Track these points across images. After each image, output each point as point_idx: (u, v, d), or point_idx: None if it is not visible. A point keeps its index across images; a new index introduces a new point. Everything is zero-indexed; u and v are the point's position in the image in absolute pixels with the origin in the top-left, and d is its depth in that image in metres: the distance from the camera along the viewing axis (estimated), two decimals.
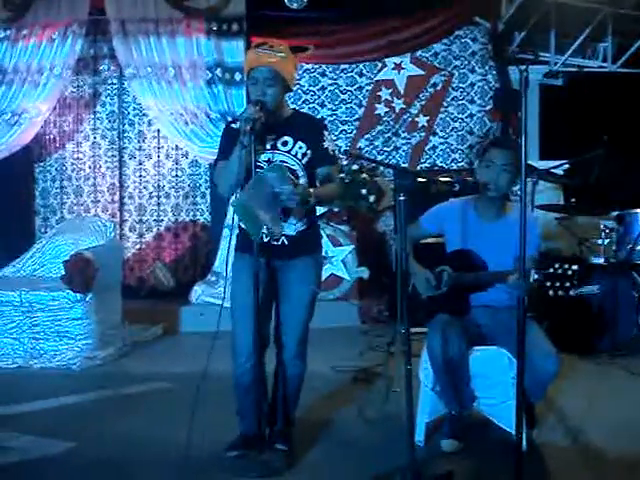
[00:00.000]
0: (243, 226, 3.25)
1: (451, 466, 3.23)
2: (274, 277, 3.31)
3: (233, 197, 3.22)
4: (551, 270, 2.87)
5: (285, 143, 3.25)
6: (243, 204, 3.09)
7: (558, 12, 6.82)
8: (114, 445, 3.62)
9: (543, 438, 3.57)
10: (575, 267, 2.86)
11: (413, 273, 3.57)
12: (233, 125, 3.33)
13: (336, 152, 3.37)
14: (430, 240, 3.75)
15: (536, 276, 2.89)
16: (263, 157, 3.20)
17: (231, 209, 3.29)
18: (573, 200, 6.30)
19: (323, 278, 6.54)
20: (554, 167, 6.32)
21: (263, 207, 3.05)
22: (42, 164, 7.92)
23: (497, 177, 3.41)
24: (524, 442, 2.96)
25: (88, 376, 4.94)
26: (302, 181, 3.23)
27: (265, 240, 3.19)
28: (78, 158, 7.89)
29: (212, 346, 3.04)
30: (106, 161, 7.88)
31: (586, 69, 7.59)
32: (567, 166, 6.43)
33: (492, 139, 4.03)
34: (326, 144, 3.28)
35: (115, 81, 7.79)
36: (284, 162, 3.22)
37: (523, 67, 2.50)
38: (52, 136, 7.84)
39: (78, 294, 5.10)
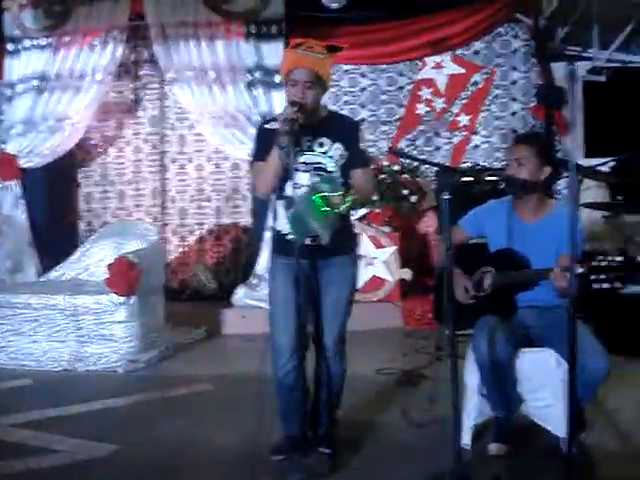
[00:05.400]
0: (289, 232, 3.21)
1: (498, 470, 3.18)
2: (311, 277, 3.27)
3: (277, 200, 3.20)
4: (595, 263, 2.80)
5: (321, 144, 3.23)
6: (300, 216, 3.04)
7: (601, 6, 6.69)
8: (158, 447, 3.64)
9: (592, 441, 3.49)
10: (620, 258, 2.78)
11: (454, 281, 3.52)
12: (266, 126, 3.33)
13: (371, 152, 3.35)
14: (474, 240, 3.70)
15: (580, 270, 2.81)
16: (300, 158, 3.18)
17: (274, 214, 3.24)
18: (620, 198, 6.19)
19: (366, 280, 6.61)
20: (599, 165, 6.21)
21: (316, 218, 3.02)
22: (85, 169, 8.02)
23: (513, 173, 3.40)
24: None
25: (132, 379, 4.97)
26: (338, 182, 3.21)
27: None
28: (120, 163, 7.99)
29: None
30: (148, 165, 7.95)
31: (631, 64, 7.43)
32: (613, 163, 6.31)
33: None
34: (362, 145, 3.27)
35: (156, 86, 7.86)
36: (320, 163, 3.20)
37: (570, 62, 2.44)
38: (94, 141, 7.93)
39: (122, 297, 5.14)
